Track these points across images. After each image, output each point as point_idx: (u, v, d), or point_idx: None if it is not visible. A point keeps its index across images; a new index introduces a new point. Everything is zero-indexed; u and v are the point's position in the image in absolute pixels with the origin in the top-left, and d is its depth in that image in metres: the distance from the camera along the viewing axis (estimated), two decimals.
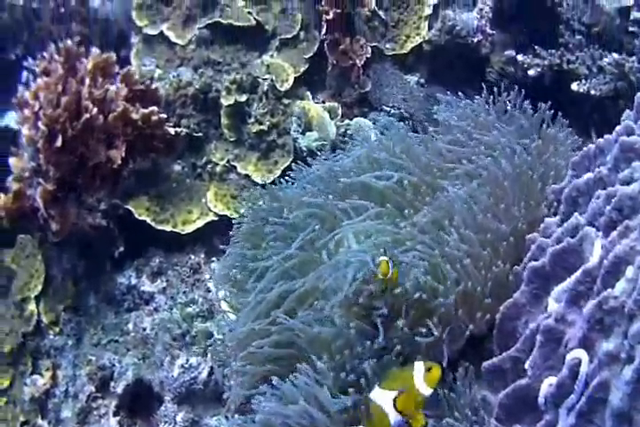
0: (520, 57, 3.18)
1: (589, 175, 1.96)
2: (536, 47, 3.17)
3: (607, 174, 1.89)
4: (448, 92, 3.37)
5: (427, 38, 3.35)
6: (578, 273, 1.75)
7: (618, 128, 1.96)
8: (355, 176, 2.42)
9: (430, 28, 3.39)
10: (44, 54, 3.11)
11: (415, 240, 2.11)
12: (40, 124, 2.77)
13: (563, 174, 2.19)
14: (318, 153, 2.96)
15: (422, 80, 3.39)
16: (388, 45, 3.35)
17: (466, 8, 3.46)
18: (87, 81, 2.88)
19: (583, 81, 2.99)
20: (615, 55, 2.95)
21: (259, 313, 2.22)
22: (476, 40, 3.36)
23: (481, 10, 3.44)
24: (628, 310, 1.54)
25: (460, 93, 3.36)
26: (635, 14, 3.39)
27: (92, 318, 3.08)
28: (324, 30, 3.18)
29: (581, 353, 1.66)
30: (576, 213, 1.91)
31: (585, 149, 2.09)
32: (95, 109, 2.82)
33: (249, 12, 3.32)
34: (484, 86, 3.34)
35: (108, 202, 2.97)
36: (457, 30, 3.34)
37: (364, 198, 2.33)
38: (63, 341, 3.09)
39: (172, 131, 3.03)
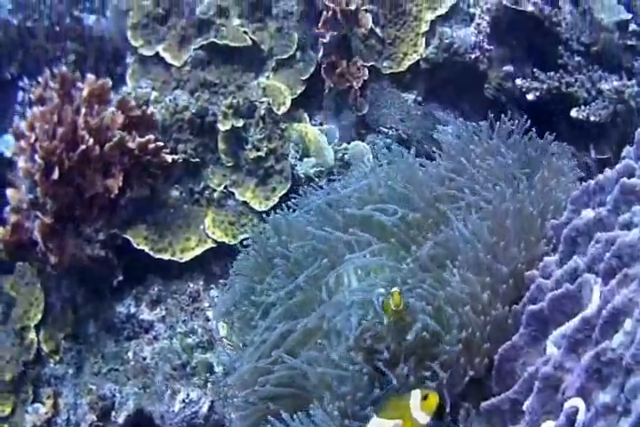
0: (518, 81, 3.21)
1: (589, 216, 2.01)
2: (535, 70, 3.21)
3: (607, 215, 1.93)
4: (446, 110, 3.46)
5: (424, 56, 3.39)
6: (576, 321, 1.80)
7: (618, 167, 2.01)
8: (358, 207, 2.46)
9: (427, 44, 3.43)
10: (39, 79, 3.14)
11: (417, 278, 2.16)
12: (37, 156, 2.81)
13: (562, 207, 2.23)
14: (316, 179, 3.02)
15: (420, 98, 3.42)
16: (385, 63, 3.38)
17: (463, 23, 3.50)
18: (83, 109, 2.91)
19: (582, 107, 3.04)
20: (615, 82, 2.99)
21: (262, 353, 2.27)
22: (473, 56, 3.40)
23: (478, 24, 3.47)
24: (626, 364, 1.59)
25: (459, 112, 3.47)
26: (633, 26, 3.44)
27: (92, 347, 3.12)
28: (320, 54, 3.23)
29: (579, 402, 1.71)
30: (575, 256, 1.96)
31: (585, 184, 2.13)
32: (91, 140, 2.85)
33: (245, 32, 3.36)
34: (484, 104, 3.46)
35: (106, 232, 3.01)
36: (454, 48, 3.37)
37: (366, 231, 2.36)
38: (64, 369, 3.14)
39: (169, 158, 3.06)
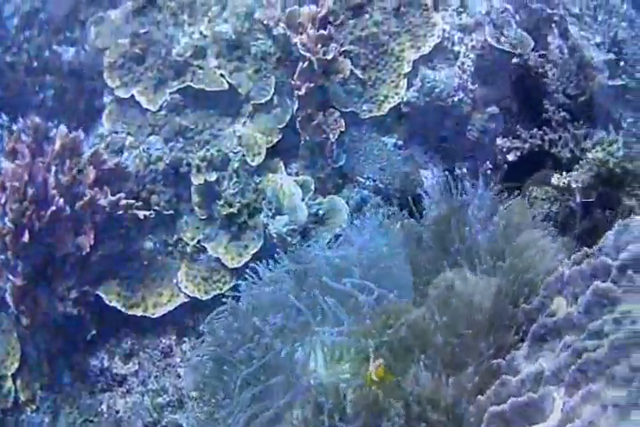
0: (499, 140, 3.24)
1: (560, 314, 2.09)
2: (518, 127, 3.22)
3: (578, 317, 2.01)
4: (428, 153, 3.50)
5: (405, 99, 3.39)
6: None
7: (594, 263, 2.07)
8: (336, 276, 2.55)
9: (410, 85, 3.43)
10: (14, 128, 3.22)
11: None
12: (7, 219, 2.91)
13: (538, 287, 2.32)
14: (289, 238, 3.10)
15: (400, 142, 3.43)
16: (365, 107, 3.39)
17: (447, 62, 3.50)
18: (53, 168, 3.00)
19: (564, 174, 3.04)
20: (599, 154, 2.96)
21: None
22: (456, 99, 3.41)
23: (463, 63, 3.48)
24: None
25: (440, 155, 3.50)
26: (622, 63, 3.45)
27: (67, 397, 3.26)
28: (296, 106, 3.26)
29: None
30: (541, 360, 2.06)
31: (559, 271, 2.19)
32: (61, 200, 2.95)
33: (222, 75, 3.39)
34: (467, 146, 3.50)
35: (78, 289, 3.13)
36: (437, 92, 3.38)
37: (341, 302, 2.46)
38: (40, 418, 3.29)
39: (140, 215, 3.15)
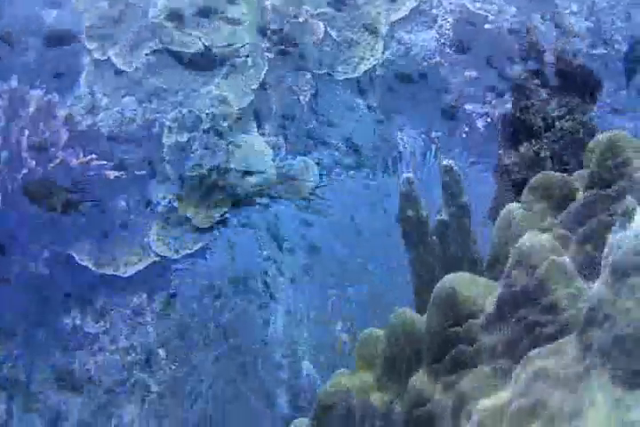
0: (468, 106, 3.00)
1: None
2: (487, 94, 2.98)
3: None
4: (403, 116, 3.28)
5: (381, 62, 3.16)
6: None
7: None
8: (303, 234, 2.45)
9: (386, 48, 3.19)
10: None
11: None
12: None
13: None
14: (258, 198, 2.90)
15: (375, 104, 3.20)
16: (339, 68, 3.15)
17: (425, 25, 3.25)
18: (26, 131, 2.78)
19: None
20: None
21: None
22: (433, 61, 3.18)
23: (441, 27, 3.23)
24: None
25: (417, 118, 3.29)
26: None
27: (40, 355, 3.09)
28: (266, 68, 3.01)
29: None
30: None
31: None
32: (34, 163, 2.74)
33: (198, 37, 3.14)
34: (443, 110, 3.28)
35: (50, 249, 2.94)
36: (412, 54, 3.15)
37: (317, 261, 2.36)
38: (16, 375, 3.12)
39: (111, 175, 2.94)
